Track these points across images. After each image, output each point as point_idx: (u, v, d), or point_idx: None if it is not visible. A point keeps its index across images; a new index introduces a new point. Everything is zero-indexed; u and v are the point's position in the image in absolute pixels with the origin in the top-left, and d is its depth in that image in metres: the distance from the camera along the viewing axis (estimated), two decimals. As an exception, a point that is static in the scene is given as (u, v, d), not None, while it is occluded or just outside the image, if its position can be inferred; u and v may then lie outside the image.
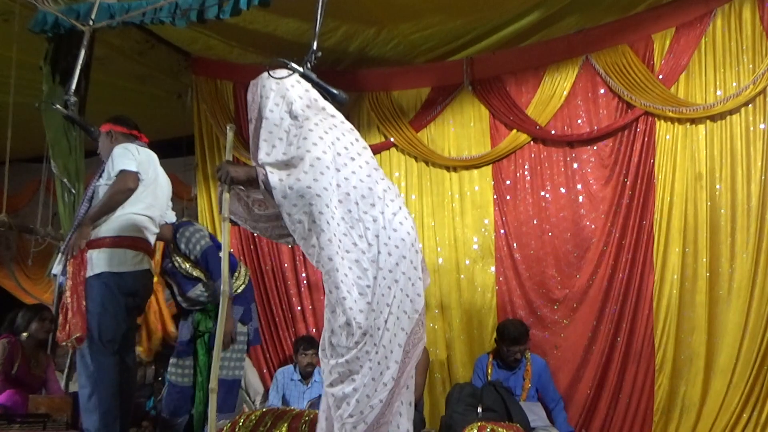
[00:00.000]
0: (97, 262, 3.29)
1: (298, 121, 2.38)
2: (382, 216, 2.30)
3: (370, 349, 2.18)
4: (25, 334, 4.52)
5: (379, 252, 2.25)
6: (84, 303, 3.23)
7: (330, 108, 2.51)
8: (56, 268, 3.44)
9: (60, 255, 3.45)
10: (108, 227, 3.32)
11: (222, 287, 2.52)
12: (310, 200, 2.21)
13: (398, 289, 2.25)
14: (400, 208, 2.37)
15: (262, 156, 2.35)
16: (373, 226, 2.28)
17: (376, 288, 2.22)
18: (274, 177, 2.24)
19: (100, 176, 3.44)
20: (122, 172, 3.32)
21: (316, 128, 2.34)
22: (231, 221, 2.63)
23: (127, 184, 3.33)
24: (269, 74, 2.44)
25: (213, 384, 2.46)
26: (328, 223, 2.21)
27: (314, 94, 2.50)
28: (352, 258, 2.23)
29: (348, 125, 2.49)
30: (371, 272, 2.23)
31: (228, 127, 2.83)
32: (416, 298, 2.30)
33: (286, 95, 2.44)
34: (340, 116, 2.51)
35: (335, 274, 2.19)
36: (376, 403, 2.18)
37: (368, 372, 2.17)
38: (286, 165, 2.29)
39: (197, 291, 3.93)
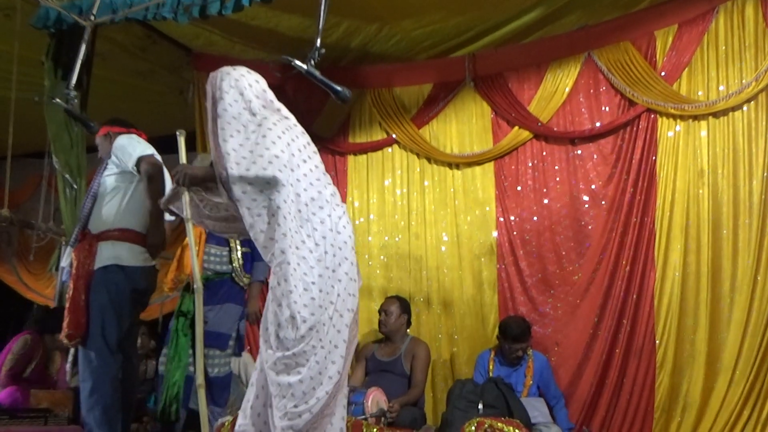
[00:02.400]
0: (106, 254, 3.28)
1: (256, 119, 2.47)
2: (329, 219, 2.41)
3: (316, 344, 2.26)
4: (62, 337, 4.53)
5: (325, 252, 2.36)
6: (84, 297, 3.23)
7: (284, 110, 2.59)
8: (65, 261, 3.44)
9: (69, 248, 3.43)
10: (118, 219, 3.30)
11: (195, 284, 2.64)
12: (270, 195, 2.30)
13: (341, 287, 2.36)
14: (344, 212, 2.49)
15: (220, 141, 2.41)
16: (321, 227, 2.38)
17: (322, 285, 2.31)
18: (234, 173, 2.31)
19: (105, 168, 3.43)
20: (140, 159, 3.31)
21: (274, 127, 2.42)
22: (174, 214, 2.74)
23: (155, 167, 3.32)
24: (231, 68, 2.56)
25: (200, 380, 2.53)
26: (284, 218, 2.30)
27: (270, 95, 2.60)
28: (300, 254, 2.31)
29: (300, 128, 2.57)
30: (317, 270, 2.32)
31: (178, 132, 2.93)
32: (353, 298, 2.41)
33: (245, 93, 2.52)
34: (293, 118, 2.59)
35: (286, 267, 2.27)
36: (322, 395, 2.26)
37: (315, 365, 2.25)
38: (244, 159, 2.35)
39: (213, 251, 3.93)
